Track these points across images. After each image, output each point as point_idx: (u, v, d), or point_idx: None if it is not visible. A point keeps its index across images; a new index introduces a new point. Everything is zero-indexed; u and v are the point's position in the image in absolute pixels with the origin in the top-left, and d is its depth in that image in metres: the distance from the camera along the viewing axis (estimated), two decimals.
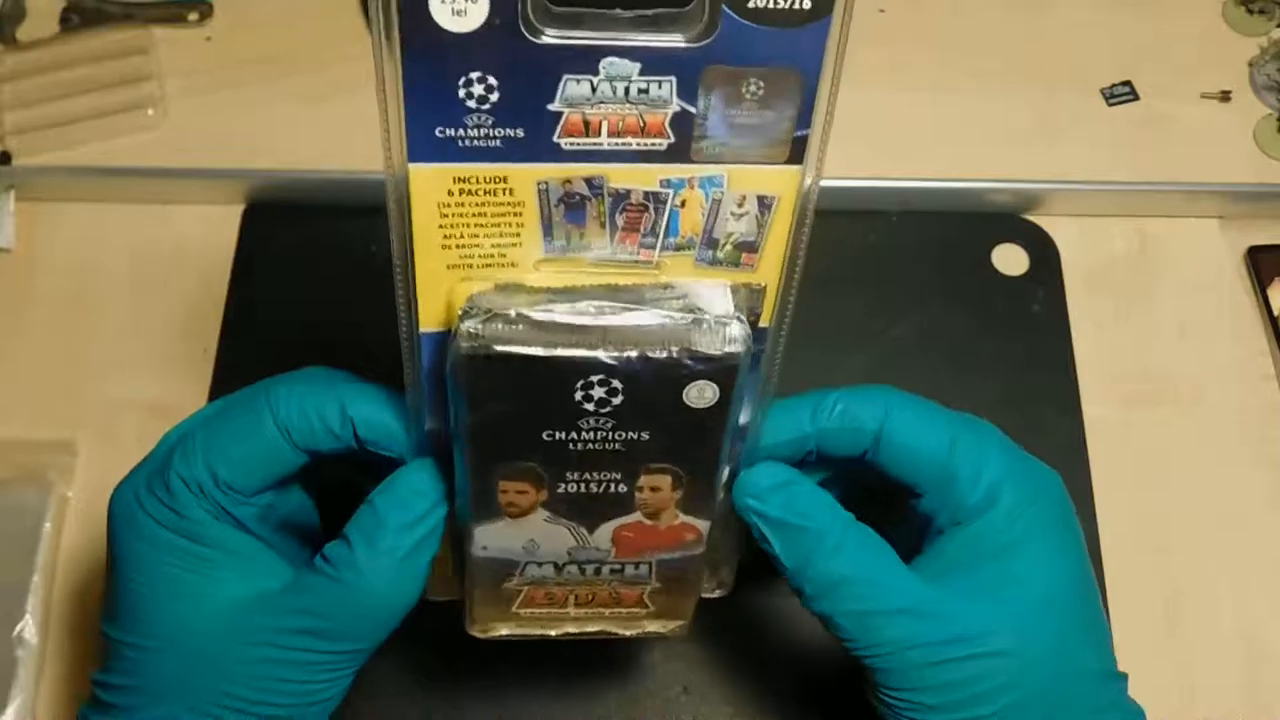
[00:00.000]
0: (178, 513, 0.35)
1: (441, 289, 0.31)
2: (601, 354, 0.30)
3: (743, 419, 0.35)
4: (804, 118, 0.29)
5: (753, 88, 0.29)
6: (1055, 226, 0.59)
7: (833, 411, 0.36)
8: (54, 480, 0.51)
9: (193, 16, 0.63)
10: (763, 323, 0.33)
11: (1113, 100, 0.62)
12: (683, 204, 0.31)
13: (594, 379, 0.31)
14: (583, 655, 0.48)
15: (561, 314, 0.30)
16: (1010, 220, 0.59)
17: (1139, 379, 0.55)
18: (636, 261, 0.32)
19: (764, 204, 0.31)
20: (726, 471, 0.35)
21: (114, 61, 0.61)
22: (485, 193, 0.30)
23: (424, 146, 0.28)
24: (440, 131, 0.28)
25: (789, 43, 0.28)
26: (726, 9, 0.27)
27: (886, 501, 0.38)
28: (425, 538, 0.34)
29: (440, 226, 0.30)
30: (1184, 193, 0.59)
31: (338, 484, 0.38)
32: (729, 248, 0.32)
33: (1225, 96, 0.62)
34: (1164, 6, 0.65)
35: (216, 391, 0.54)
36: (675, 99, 0.29)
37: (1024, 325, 0.56)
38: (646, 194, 0.30)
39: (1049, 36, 0.64)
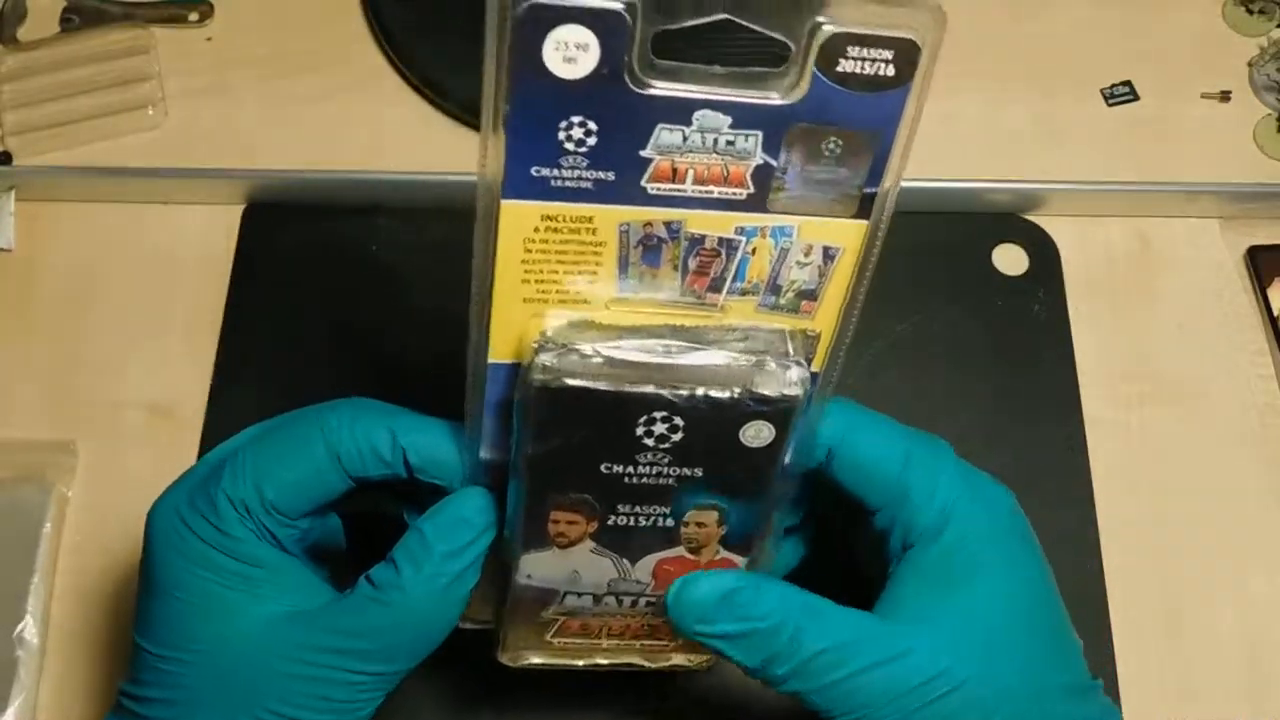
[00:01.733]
0: (222, 531, 0.35)
1: (516, 322, 0.32)
2: (667, 392, 0.31)
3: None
4: (875, 175, 0.31)
5: (832, 145, 0.30)
6: (1055, 226, 0.59)
7: None
8: (54, 480, 0.51)
9: (193, 16, 0.63)
10: (814, 367, 0.34)
11: (1113, 100, 0.62)
12: (753, 251, 0.32)
13: (657, 415, 0.32)
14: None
15: (632, 352, 0.31)
16: (1010, 220, 0.59)
17: (1139, 379, 0.55)
18: (702, 304, 0.33)
19: (828, 254, 0.32)
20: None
21: (114, 61, 0.61)
22: (570, 231, 0.31)
23: (519, 183, 0.29)
24: (536, 170, 0.29)
25: (871, 106, 0.29)
26: (817, 71, 0.28)
27: (850, 511, 0.38)
28: (469, 566, 0.35)
29: (523, 261, 0.31)
30: (1184, 193, 0.59)
31: (366, 509, 0.39)
32: (790, 295, 0.33)
33: (1225, 96, 0.62)
34: (1164, 6, 0.65)
35: (217, 391, 0.54)
36: (760, 152, 0.30)
37: (1024, 325, 0.56)
38: (720, 239, 0.31)
39: (1049, 36, 0.64)
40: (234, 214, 0.58)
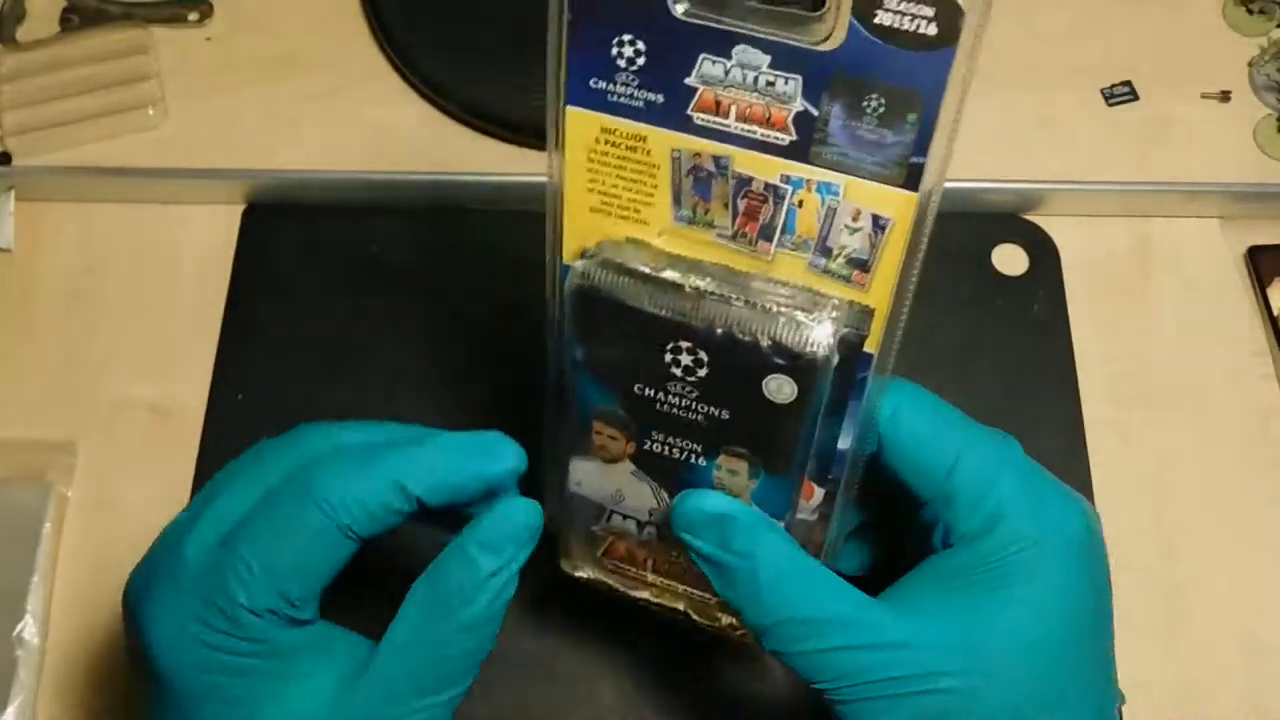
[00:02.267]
0: (252, 639, 0.33)
1: (583, 228, 0.34)
2: (690, 322, 0.32)
3: (843, 444, 0.35)
4: (921, 145, 0.30)
5: (874, 103, 0.30)
6: (1055, 226, 0.59)
7: None
8: (54, 480, 0.51)
9: (193, 16, 0.63)
10: (868, 346, 0.34)
11: (1113, 100, 0.62)
12: (800, 203, 0.32)
13: (682, 344, 0.33)
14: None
15: (668, 277, 0.33)
16: (1010, 220, 0.59)
17: (1139, 379, 0.55)
18: (754, 251, 0.33)
19: (879, 224, 0.32)
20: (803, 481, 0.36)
21: (114, 61, 0.61)
22: (627, 148, 0.33)
23: (580, 92, 0.32)
24: (594, 83, 0.32)
25: (912, 65, 0.29)
26: (854, 20, 0.29)
27: (903, 500, 0.37)
28: (507, 584, 0.35)
29: (588, 169, 0.33)
30: (1184, 193, 0.59)
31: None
32: (841, 260, 0.33)
33: (1225, 96, 0.62)
34: (1164, 7, 0.65)
35: (216, 391, 0.54)
36: (800, 98, 0.31)
37: (1024, 325, 0.56)
38: (767, 185, 0.32)
39: (1049, 36, 0.64)
40: (234, 214, 0.58)
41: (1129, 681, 0.49)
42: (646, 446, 0.35)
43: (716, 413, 0.34)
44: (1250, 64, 0.63)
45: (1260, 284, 0.57)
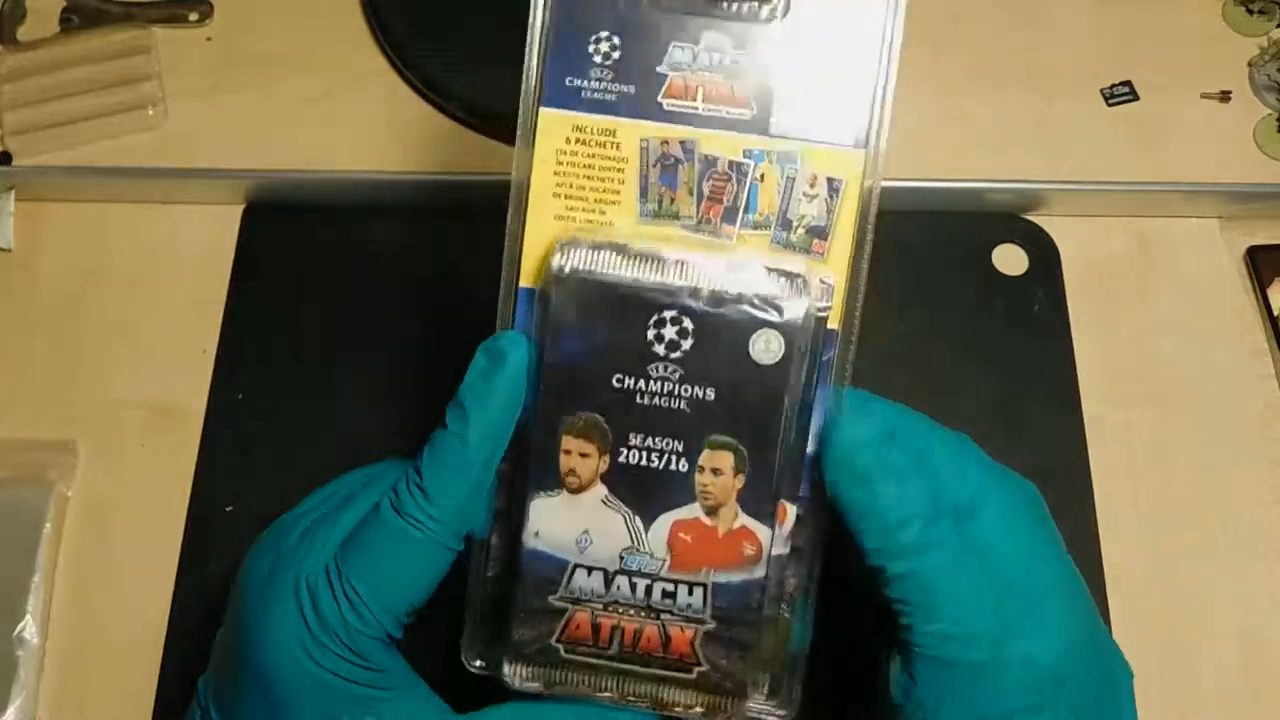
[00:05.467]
0: (364, 663, 0.34)
1: (546, 242, 0.35)
2: (675, 289, 0.33)
3: (811, 447, 0.35)
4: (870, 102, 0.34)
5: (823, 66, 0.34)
6: (1055, 226, 0.59)
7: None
8: (54, 480, 0.51)
9: (193, 16, 0.63)
10: (831, 323, 0.35)
11: (1113, 100, 0.62)
12: (761, 178, 0.35)
13: (666, 315, 0.34)
14: None
15: (647, 251, 0.34)
16: (1010, 220, 0.59)
17: (1139, 379, 0.55)
18: (718, 235, 0.35)
19: (833, 187, 0.35)
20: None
21: (114, 61, 0.61)
22: (596, 144, 0.34)
23: (556, 93, 0.34)
24: (570, 81, 0.34)
25: (849, 21, 0.34)
26: None
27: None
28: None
29: (555, 173, 0.35)
30: (1184, 193, 0.59)
31: None
32: (801, 231, 0.35)
33: (1225, 96, 0.62)
34: (1164, 7, 0.65)
35: (216, 391, 0.54)
36: (757, 71, 0.34)
37: (1024, 325, 0.56)
38: (730, 163, 0.35)
39: (1049, 36, 0.64)
40: (234, 214, 0.58)
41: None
42: (623, 458, 0.35)
43: (701, 393, 0.34)
44: (1250, 64, 0.63)
45: (1260, 284, 0.57)
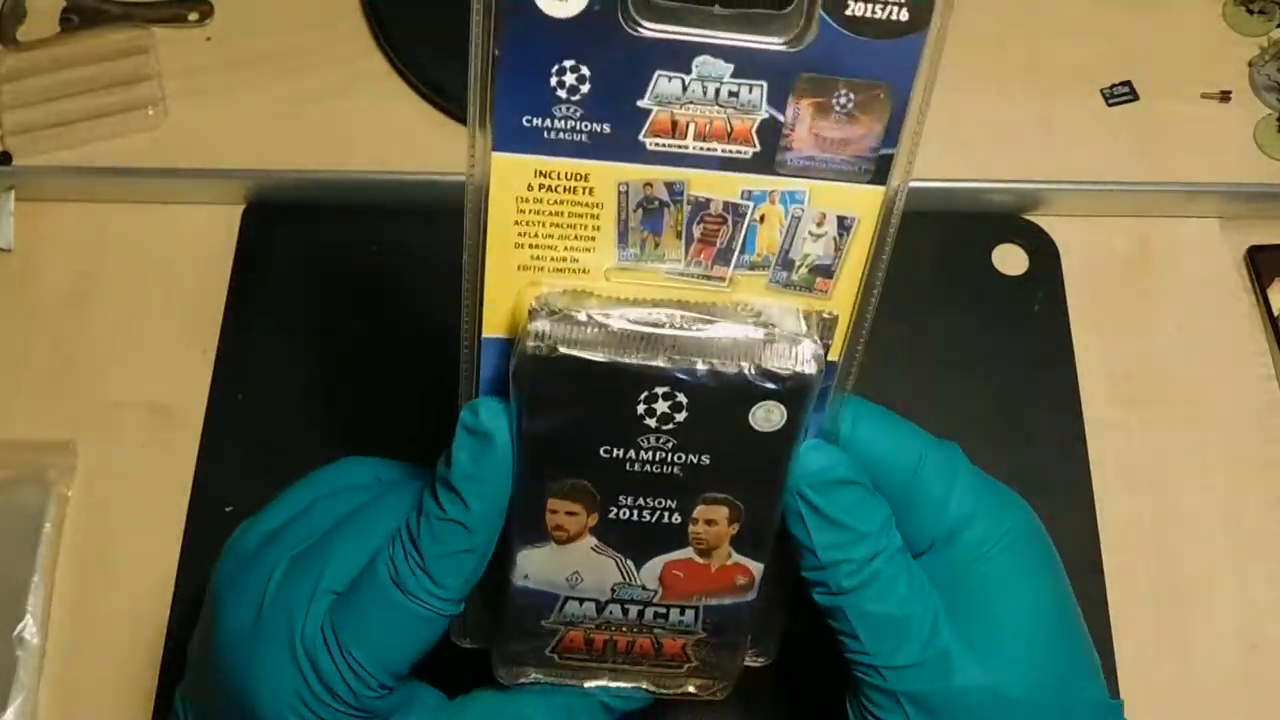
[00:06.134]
0: (362, 713, 0.34)
1: (510, 291, 0.30)
2: (669, 365, 0.30)
3: None
4: (891, 135, 0.29)
5: (843, 99, 0.28)
6: (1055, 226, 0.59)
7: None
8: (54, 480, 0.51)
9: (193, 16, 0.63)
10: (831, 355, 0.32)
11: (1113, 100, 0.62)
12: (761, 219, 0.30)
13: (658, 391, 0.30)
14: None
15: (632, 321, 0.30)
16: (1010, 220, 0.59)
17: (1139, 379, 0.55)
18: (709, 278, 0.31)
19: (844, 225, 0.30)
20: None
21: (114, 61, 0.61)
22: (565, 190, 0.29)
23: (510, 135, 0.28)
24: (527, 120, 0.28)
25: (883, 55, 0.28)
26: (825, 15, 0.27)
27: None
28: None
29: (516, 223, 0.30)
30: (1184, 193, 0.59)
31: None
32: (804, 271, 0.31)
33: (1225, 96, 0.62)
34: (1164, 6, 0.65)
35: (216, 391, 0.54)
36: (765, 105, 0.28)
37: (1024, 325, 0.56)
38: (726, 205, 0.30)
39: (1049, 36, 0.64)
40: (234, 214, 0.58)
41: (1129, 681, 0.49)
42: (612, 515, 0.32)
43: (695, 459, 0.31)
44: (1250, 64, 0.63)
45: (1260, 284, 0.57)
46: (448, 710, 0.36)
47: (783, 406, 0.30)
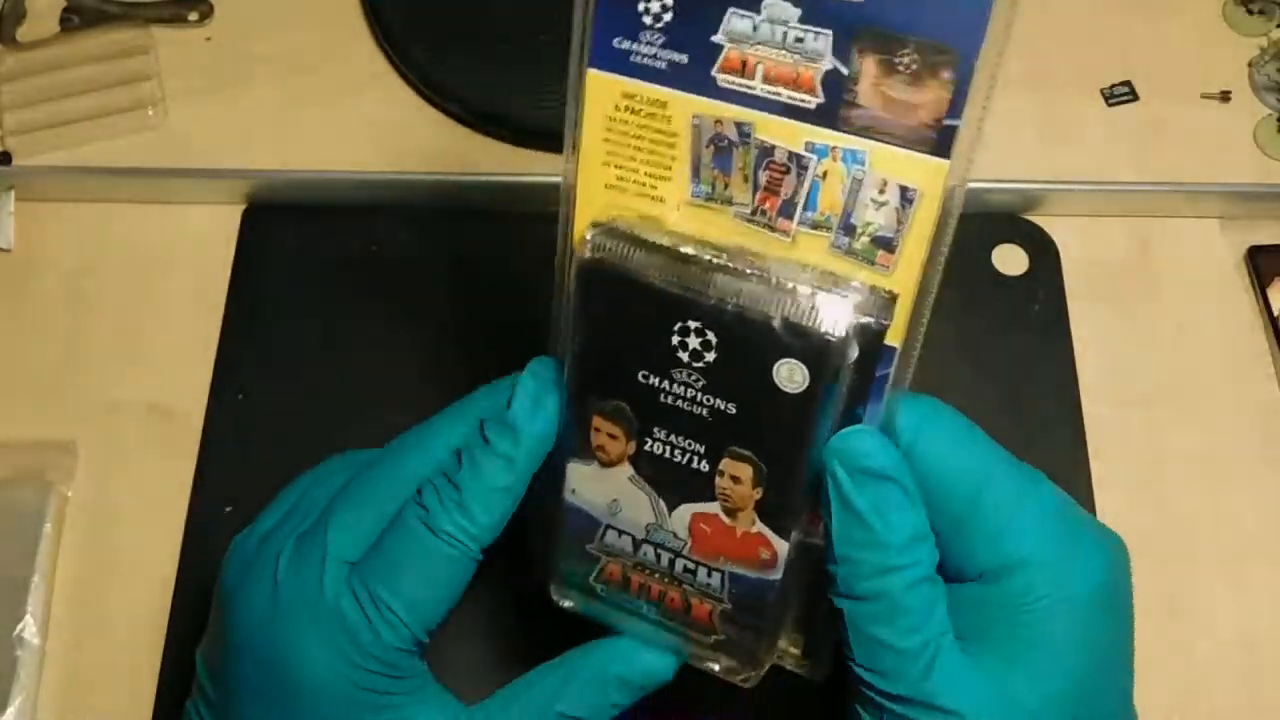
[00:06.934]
0: (396, 673, 0.35)
1: (596, 209, 0.33)
2: (701, 299, 0.31)
3: None
4: (956, 105, 0.29)
5: (907, 59, 0.29)
6: (1055, 226, 0.59)
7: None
8: (54, 480, 0.51)
9: (193, 16, 0.63)
10: (891, 339, 0.32)
11: (1113, 100, 0.62)
12: (824, 175, 0.31)
13: (691, 324, 0.31)
14: None
15: (681, 252, 0.31)
16: (1010, 220, 0.59)
17: (1139, 379, 0.55)
18: (773, 229, 0.32)
19: (906, 197, 0.30)
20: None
21: (114, 61, 0.61)
22: (647, 114, 0.31)
23: (603, 54, 0.31)
24: (618, 43, 0.31)
25: (948, 15, 0.28)
26: None
27: None
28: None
29: (605, 140, 0.32)
30: (1184, 193, 0.59)
31: None
32: (865, 239, 0.31)
33: (1225, 96, 0.62)
34: (1164, 6, 0.65)
35: (217, 391, 0.54)
36: (829, 55, 0.29)
37: (1024, 325, 0.56)
38: (790, 154, 0.31)
39: (1049, 36, 0.64)
40: (234, 214, 0.58)
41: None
42: (647, 446, 0.34)
43: (723, 406, 0.32)
44: (1250, 64, 0.63)
45: (1260, 284, 0.57)
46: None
47: (805, 368, 0.30)
